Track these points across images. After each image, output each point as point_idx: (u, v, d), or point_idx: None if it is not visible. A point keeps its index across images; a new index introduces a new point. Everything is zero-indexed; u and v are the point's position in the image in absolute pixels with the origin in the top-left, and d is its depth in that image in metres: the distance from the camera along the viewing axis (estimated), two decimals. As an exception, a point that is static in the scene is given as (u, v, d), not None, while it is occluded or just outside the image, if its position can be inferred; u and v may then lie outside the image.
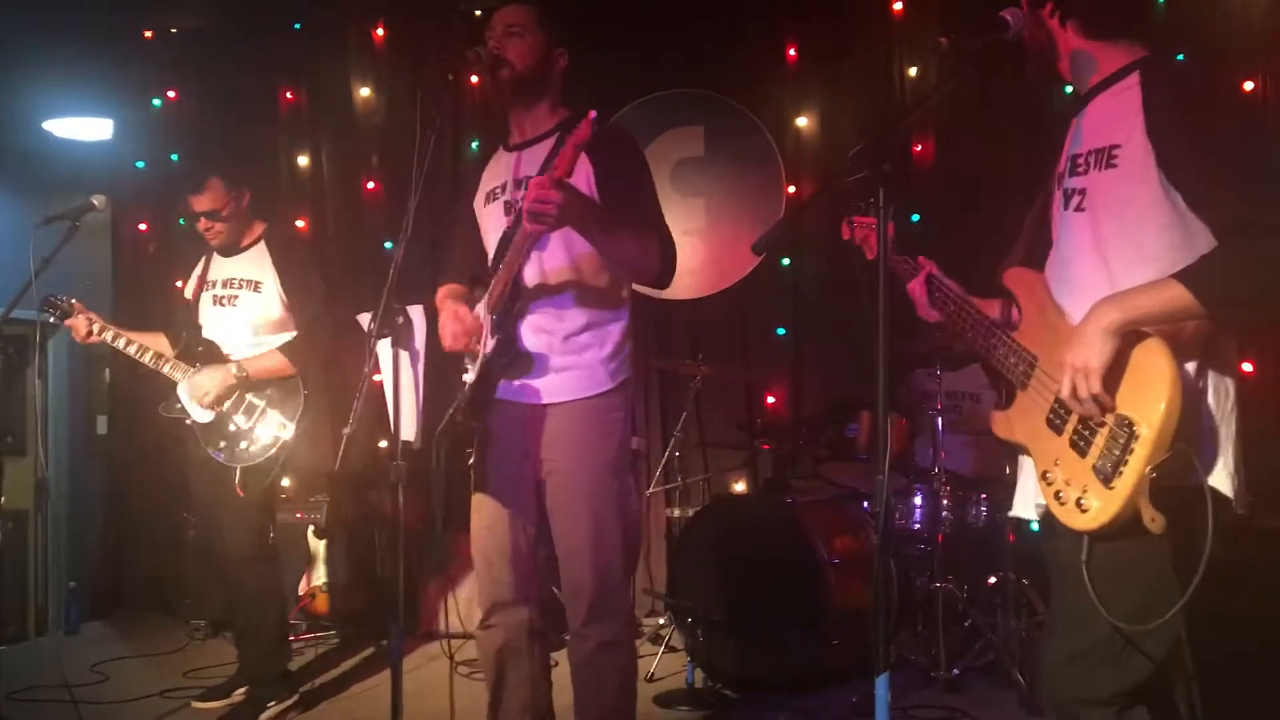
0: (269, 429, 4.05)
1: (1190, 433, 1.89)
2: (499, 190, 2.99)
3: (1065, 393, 1.96)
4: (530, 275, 2.86)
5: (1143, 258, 1.97)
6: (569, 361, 2.86)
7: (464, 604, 5.14)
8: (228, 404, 4.07)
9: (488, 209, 3.03)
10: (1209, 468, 1.93)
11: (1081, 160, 2.11)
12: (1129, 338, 1.90)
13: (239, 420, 4.06)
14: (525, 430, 2.89)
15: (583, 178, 2.79)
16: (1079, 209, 2.10)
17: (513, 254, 2.77)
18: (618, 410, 2.90)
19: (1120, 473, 1.88)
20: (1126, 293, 1.93)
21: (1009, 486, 4.30)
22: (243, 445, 4.06)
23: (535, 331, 2.86)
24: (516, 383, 2.88)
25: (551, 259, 2.85)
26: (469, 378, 2.89)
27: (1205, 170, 1.91)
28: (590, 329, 2.87)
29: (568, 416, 2.85)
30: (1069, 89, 5.54)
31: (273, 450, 4.05)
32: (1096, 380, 1.90)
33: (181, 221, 6.07)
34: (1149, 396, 1.87)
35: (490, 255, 2.99)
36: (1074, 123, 2.20)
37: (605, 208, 2.78)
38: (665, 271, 2.87)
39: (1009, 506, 4.29)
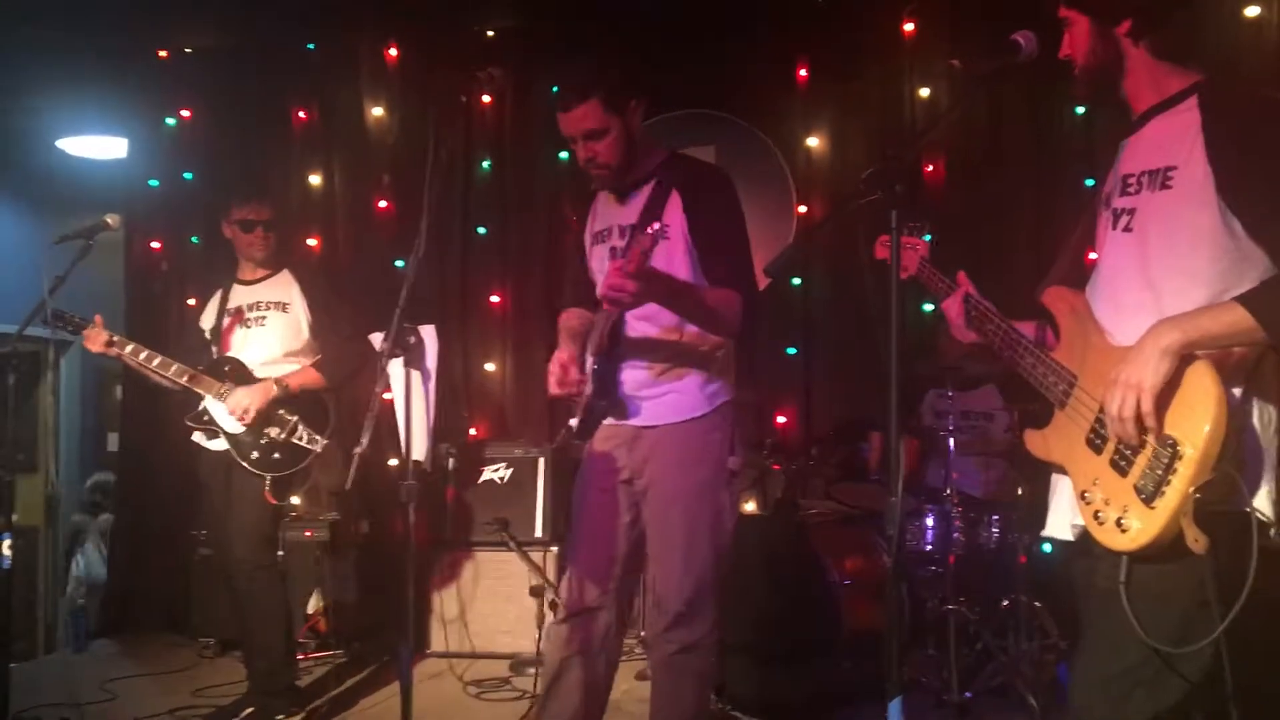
0: (301, 441, 4.12)
1: (1235, 456, 1.88)
2: (605, 234, 3.07)
3: (1112, 409, 1.94)
4: (630, 319, 2.94)
5: (1193, 281, 1.97)
6: (665, 389, 2.95)
7: (473, 623, 5.15)
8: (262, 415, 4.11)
9: (596, 250, 3.11)
10: (1253, 492, 1.91)
11: (1133, 181, 2.10)
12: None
13: (271, 432, 4.12)
14: (624, 450, 3.00)
15: (676, 224, 2.88)
16: (1127, 229, 2.10)
17: (609, 311, 2.87)
18: (714, 432, 2.97)
19: (1163, 492, 1.87)
20: (1188, 314, 1.92)
21: (1021, 508, 4.33)
22: (276, 456, 4.12)
23: (633, 369, 2.96)
24: (624, 405, 2.99)
25: (651, 306, 2.87)
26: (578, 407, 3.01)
27: (1269, 198, 1.91)
28: (684, 364, 2.96)
29: (665, 438, 2.94)
30: (1080, 110, 5.56)
31: (304, 462, 4.14)
32: (1149, 399, 1.88)
33: (195, 240, 6.12)
34: (1194, 417, 1.86)
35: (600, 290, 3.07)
36: (1124, 144, 2.19)
37: (696, 248, 2.88)
38: (746, 325, 2.92)
39: (1021, 528, 4.32)
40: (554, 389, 2.98)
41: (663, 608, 2.93)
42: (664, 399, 2.94)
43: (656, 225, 2.54)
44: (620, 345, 2.94)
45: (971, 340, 2.41)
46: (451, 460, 5.35)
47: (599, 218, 3.14)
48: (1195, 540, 1.84)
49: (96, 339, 4.13)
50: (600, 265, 3.05)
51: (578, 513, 3.11)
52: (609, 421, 3.02)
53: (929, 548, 4.63)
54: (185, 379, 4.13)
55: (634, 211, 2.97)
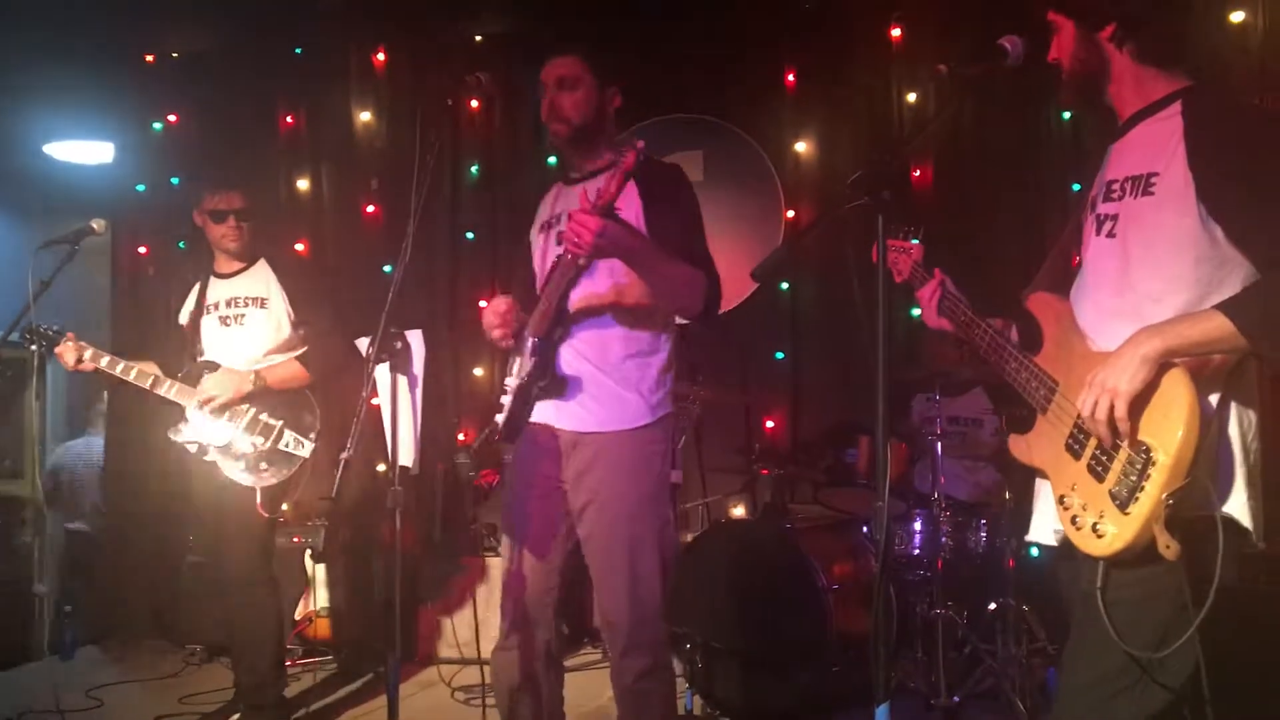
0: (288, 447, 4.00)
1: (1209, 462, 1.88)
2: (554, 220, 3.04)
3: (1085, 411, 1.95)
4: (574, 302, 2.88)
5: (1173, 287, 1.98)
6: (609, 391, 2.87)
7: (463, 631, 5.13)
8: (243, 422, 3.99)
9: (542, 238, 3.08)
10: (1227, 498, 1.92)
11: (1116, 186, 2.11)
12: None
13: (256, 441, 3.99)
14: (560, 456, 2.91)
15: (632, 212, 2.84)
16: (1109, 235, 2.11)
17: (556, 280, 2.81)
18: (657, 444, 2.91)
19: (1137, 499, 1.88)
20: (1168, 322, 1.93)
21: (1009, 512, 4.34)
22: (263, 465, 3.99)
23: (576, 358, 2.88)
24: (555, 409, 2.89)
25: (596, 287, 2.87)
26: (506, 400, 2.90)
27: (1249, 204, 1.91)
28: (631, 359, 2.89)
29: (606, 447, 2.86)
30: (1066, 115, 5.58)
31: (293, 469, 4.02)
32: (1123, 404, 1.89)
33: (182, 245, 6.10)
34: (1168, 424, 1.87)
35: (540, 283, 3.02)
36: (1110, 149, 2.19)
37: (652, 238, 2.81)
38: (710, 308, 2.90)
39: (1009, 532, 4.33)
40: (494, 331, 2.89)
41: (615, 631, 2.89)
42: (606, 403, 2.86)
43: (641, 143, 2.52)
44: (563, 327, 2.87)
45: (939, 326, 2.42)
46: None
47: (547, 208, 3.11)
48: (1167, 546, 1.85)
49: (66, 356, 4.03)
50: (545, 255, 3.01)
51: (515, 526, 3.00)
52: (543, 421, 2.91)
53: (917, 552, 4.64)
54: (164, 390, 4.03)
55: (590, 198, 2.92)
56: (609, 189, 2.56)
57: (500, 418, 2.90)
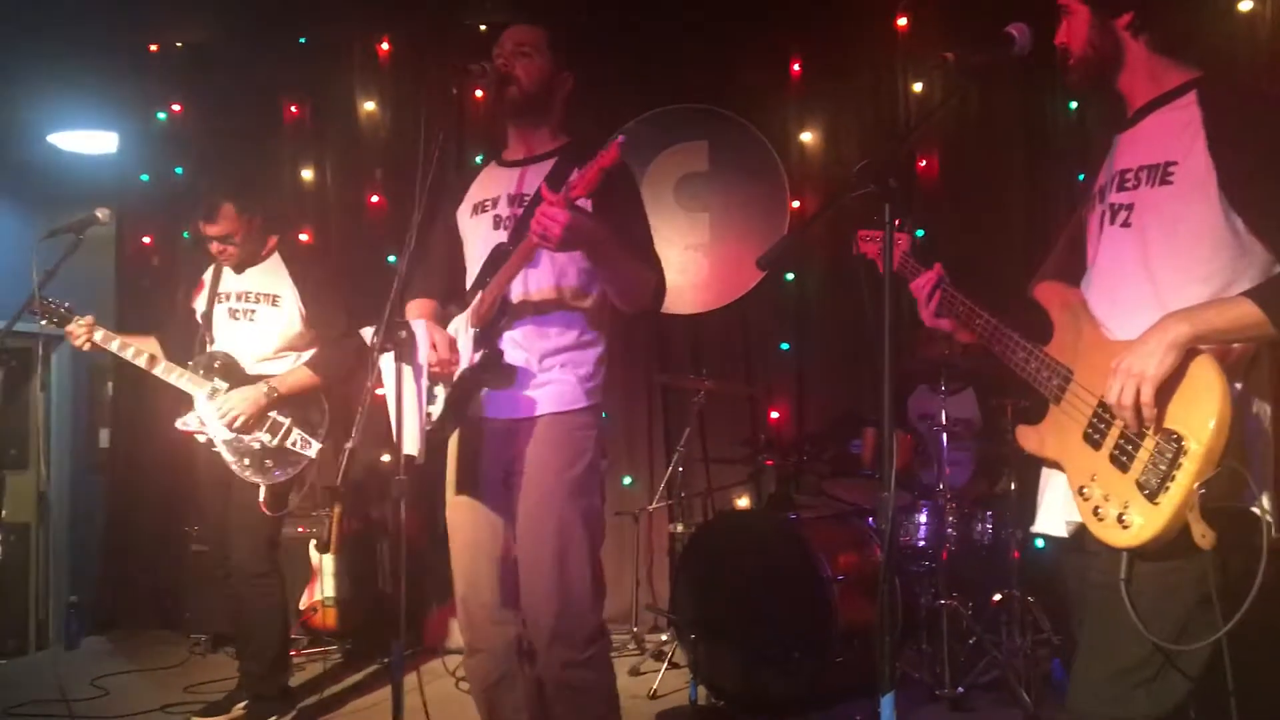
0: (295, 446, 4.00)
1: (1240, 451, 1.87)
2: (490, 204, 2.98)
3: (1111, 397, 1.93)
4: (515, 293, 2.86)
5: (1193, 276, 1.97)
6: (546, 378, 2.85)
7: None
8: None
9: (474, 221, 3.01)
10: (1260, 488, 1.90)
11: (1130, 176, 2.09)
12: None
13: (264, 438, 3.99)
14: (506, 446, 2.88)
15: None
16: (1125, 224, 2.09)
17: (507, 270, 2.77)
18: (590, 429, 2.89)
19: (1167, 488, 1.86)
20: (1195, 308, 1.91)
21: (1012, 504, 4.33)
22: (268, 463, 3.99)
23: (514, 347, 2.86)
24: (497, 398, 2.87)
25: (537, 279, 2.85)
26: (440, 390, 2.84)
27: (1273, 195, 1.90)
28: (568, 350, 2.88)
29: (544, 429, 2.84)
30: (1073, 104, 5.55)
31: (299, 468, 4.02)
32: (1150, 389, 1.87)
33: (186, 234, 6.09)
34: (1199, 412, 1.85)
35: (472, 268, 2.99)
36: (1118, 138, 2.18)
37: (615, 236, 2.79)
38: (656, 303, 2.90)
39: (1013, 523, 4.32)
40: (437, 366, 2.77)
41: (537, 624, 2.81)
42: (544, 389, 2.84)
43: (621, 138, 2.48)
44: (508, 317, 2.84)
45: (938, 326, 2.40)
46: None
47: (480, 189, 3.04)
48: (1203, 536, 1.82)
49: (76, 337, 4.06)
50: (481, 237, 2.96)
51: (458, 522, 2.94)
52: (479, 413, 2.87)
53: (922, 543, 4.64)
54: (174, 378, 4.04)
55: (531, 183, 2.87)
56: (583, 182, 2.51)
57: (434, 410, 2.81)
